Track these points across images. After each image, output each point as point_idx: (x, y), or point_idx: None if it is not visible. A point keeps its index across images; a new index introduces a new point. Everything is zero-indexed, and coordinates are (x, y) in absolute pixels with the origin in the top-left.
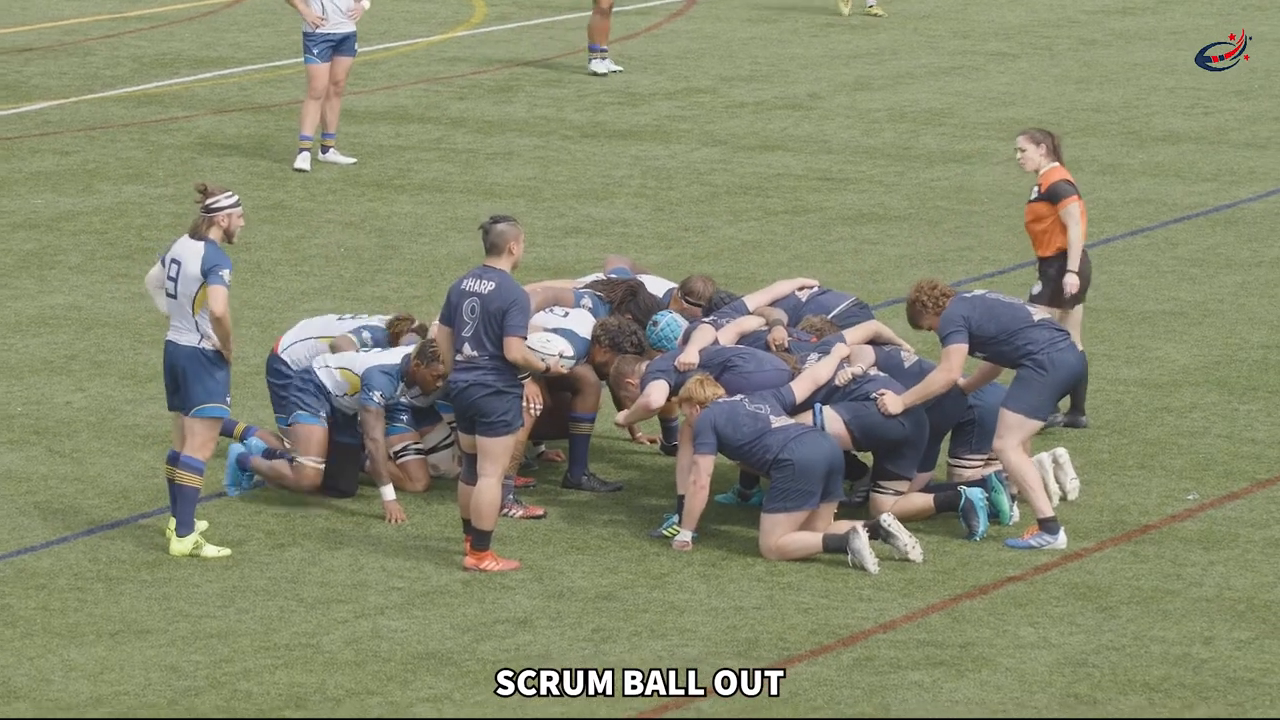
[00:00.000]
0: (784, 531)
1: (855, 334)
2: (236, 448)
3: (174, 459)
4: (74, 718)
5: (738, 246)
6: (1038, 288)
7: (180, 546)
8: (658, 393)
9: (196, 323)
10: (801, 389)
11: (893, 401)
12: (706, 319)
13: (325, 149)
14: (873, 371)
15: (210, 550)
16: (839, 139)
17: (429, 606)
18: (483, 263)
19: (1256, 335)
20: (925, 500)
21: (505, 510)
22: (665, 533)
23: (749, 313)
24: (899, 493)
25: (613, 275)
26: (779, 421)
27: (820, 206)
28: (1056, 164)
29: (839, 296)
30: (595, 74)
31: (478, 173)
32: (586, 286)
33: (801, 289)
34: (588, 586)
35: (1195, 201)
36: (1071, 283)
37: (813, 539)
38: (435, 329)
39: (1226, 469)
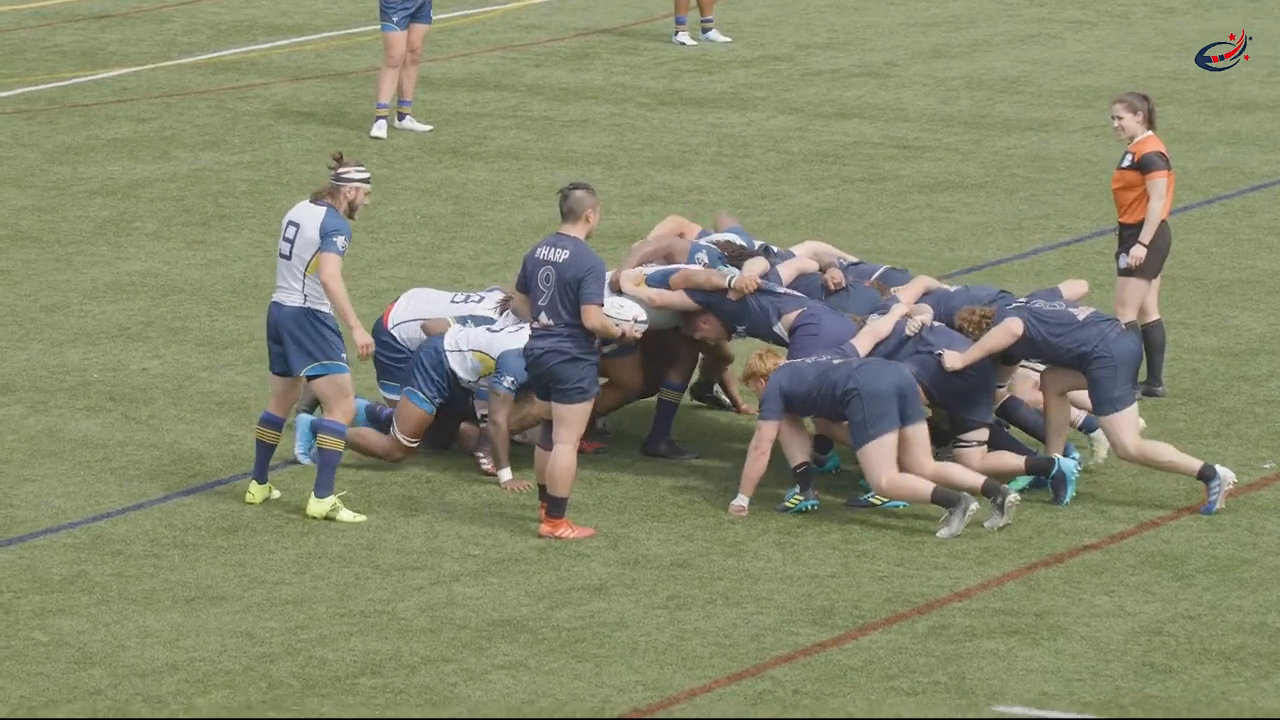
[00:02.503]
0: (886, 463)
1: (909, 292)
2: (306, 416)
3: (267, 420)
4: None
5: (813, 214)
6: (1124, 260)
7: (318, 508)
8: (665, 296)
9: (305, 284)
10: (864, 344)
11: (952, 358)
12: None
13: (402, 116)
14: (936, 324)
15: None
16: (915, 107)
17: (504, 574)
18: (558, 230)
19: None
20: (1017, 461)
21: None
22: (789, 504)
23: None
24: (982, 443)
25: (730, 235)
26: (840, 359)
27: (896, 174)
28: (1151, 133)
29: (872, 268)
30: (681, 44)
31: (554, 140)
32: (708, 241)
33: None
34: (663, 554)
35: (1273, 170)
36: (1137, 255)
37: (923, 489)
38: (514, 296)
39: None
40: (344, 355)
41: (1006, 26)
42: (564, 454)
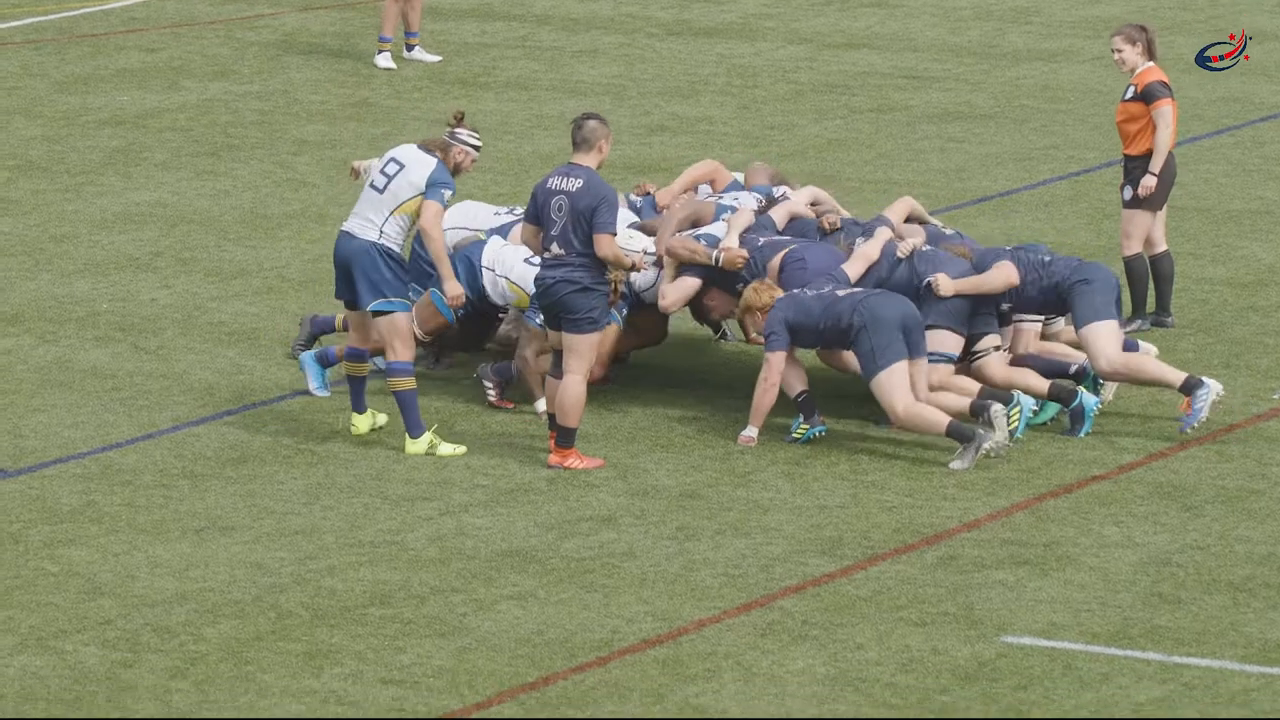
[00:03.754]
0: (900, 391)
1: (895, 211)
2: (308, 353)
3: (351, 354)
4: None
5: (823, 145)
6: (1129, 192)
7: (416, 447)
8: (675, 289)
9: (387, 222)
10: (855, 269)
11: (945, 284)
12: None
13: (410, 47)
14: (926, 247)
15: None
16: (924, 37)
17: (513, 504)
18: (569, 160)
19: None
20: (1040, 383)
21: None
22: (795, 434)
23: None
24: (998, 347)
25: (756, 193)
26: (844, 291)
27: (906, 105)
28: (1152, 63)
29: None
30: None
31: (563, 70)
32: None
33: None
34: (672, 485)
35: None
36: (1147, 185)
37: (939, 421)
38: (521, 228)
39: None
40: (410, 294)
41: None
42: (574, 384)
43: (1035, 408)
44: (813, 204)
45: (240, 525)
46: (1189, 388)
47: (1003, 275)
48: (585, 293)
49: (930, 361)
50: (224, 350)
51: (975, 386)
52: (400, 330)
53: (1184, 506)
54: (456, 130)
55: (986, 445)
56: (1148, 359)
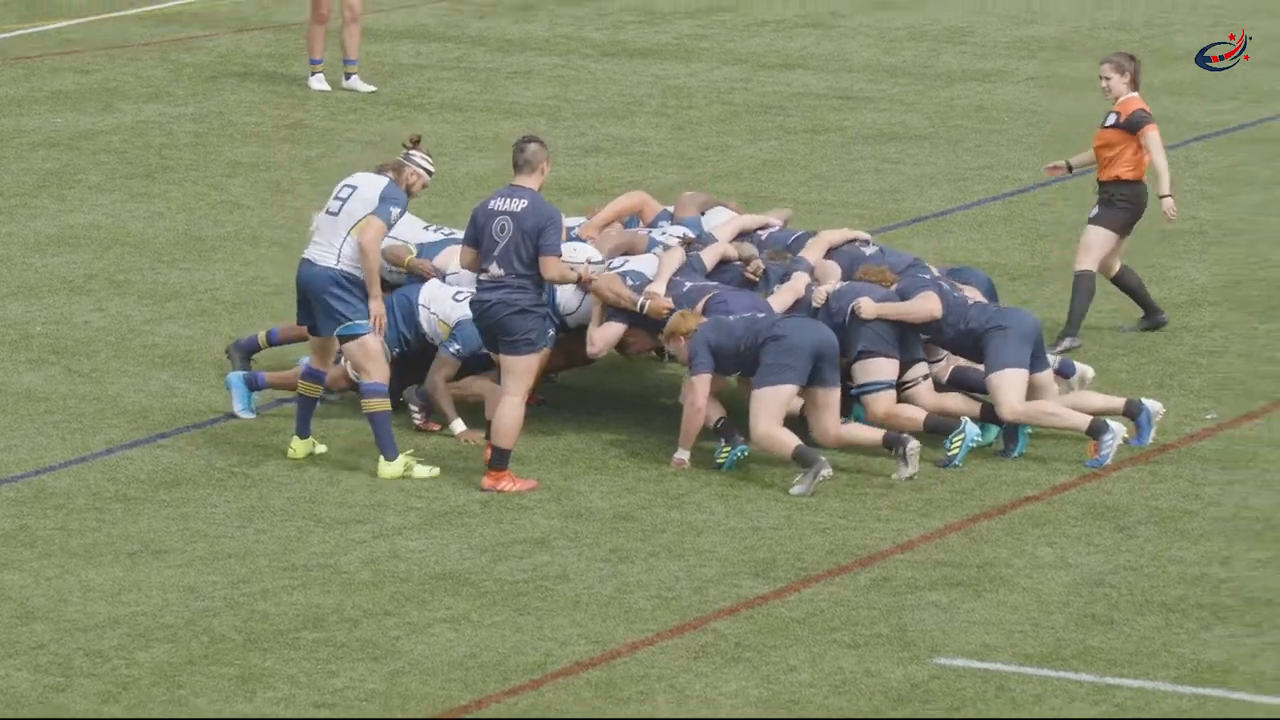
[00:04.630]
0: (771, 413)
1: (812, 251)
2: (237, 374)
3: (308, 374)
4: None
5: (757, 166)
6: (1095, 210)
7: (390, 470)
8: (602, 335)
9: (344, 244)
10: (780, 301)
11: (869, 306)
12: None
13: (348, 75)
14: (840, 284)
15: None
16: (859, 58)
17: (446, 527)
18: (511, 182)
19: (1276, 254)
20: (971, 405)
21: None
22: (719, 459)
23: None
24: (926, 376)
25: (685, 226)
26: (765, 313)
27: (840, 125)
28: (1135, 93)
29: (900, 256)
30: None
31: (498, 92)
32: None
33: (853, 241)
34: (605, 507)
35: (1216, 120)
36: (1169, 206)
37: (790, 444)
38: (461, 251)
39: (1245, 388)
40: (363, 317)
41: None
42: (511, 405)
43: (979, 437)
44: (741, 234)
45: (173, 549)
46: (1095, 431)
47: (926, 306)
48: (523, 315)
49: (870, 391)
50: (157, 373)
51: (920, 414)
52: (371, 352)
53: (1117, 527)
54: (411, 152)
55: (825, 473)
56: (1051, 405)
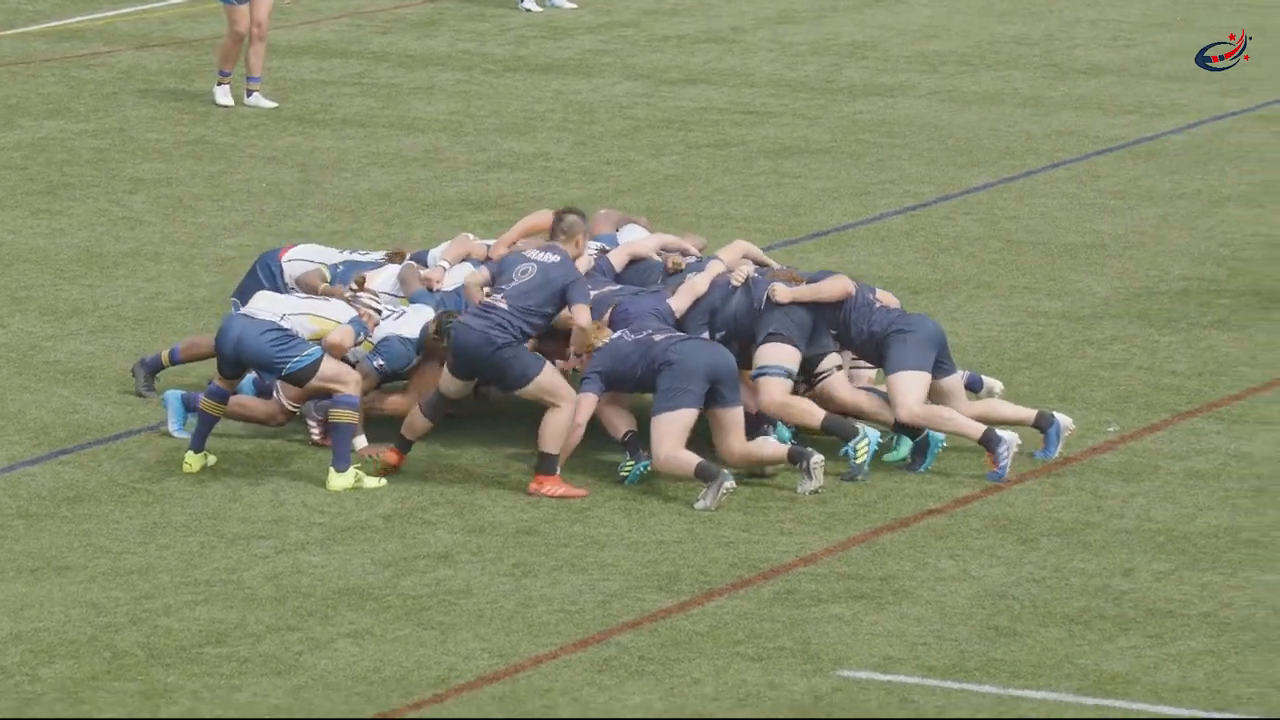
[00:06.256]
0: (671, 437)
1: (728, 252)
2: (175, 392)
3: (215, 392)
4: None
5: (659, 180)
6: None
7: (340, 481)
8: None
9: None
10: (680, 302)
11: (782, 291)
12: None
13: (250, 93)
14: (758, 276)
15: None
16: (762, 72)
17: (350, 542)
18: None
19: (1177, 267)
20: (885, 409)
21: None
22: (623, 473)
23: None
24: (839, 367)
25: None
26: (662, 335)
27: (743, 140)
28: None
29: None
30: (528, 10)
31: (400, 107)
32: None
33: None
34: (509, 521)
35: (1117, 134)
36: None
37: (690, 464)
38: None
39: (1147, 401)
40: (309, 345)
41: None
42: (555, 413)
43: (881, 440)
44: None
45: (75, 565)
46: (988, 443)
47: (838, 285)
48: (499, 351)
49: (768, 375)
50: (59, 389)
51: (819, 412)
52: (337, 371)
53: (1020, 539)
54: (365, 297)
55: (728, 485)
56: (948, 411)
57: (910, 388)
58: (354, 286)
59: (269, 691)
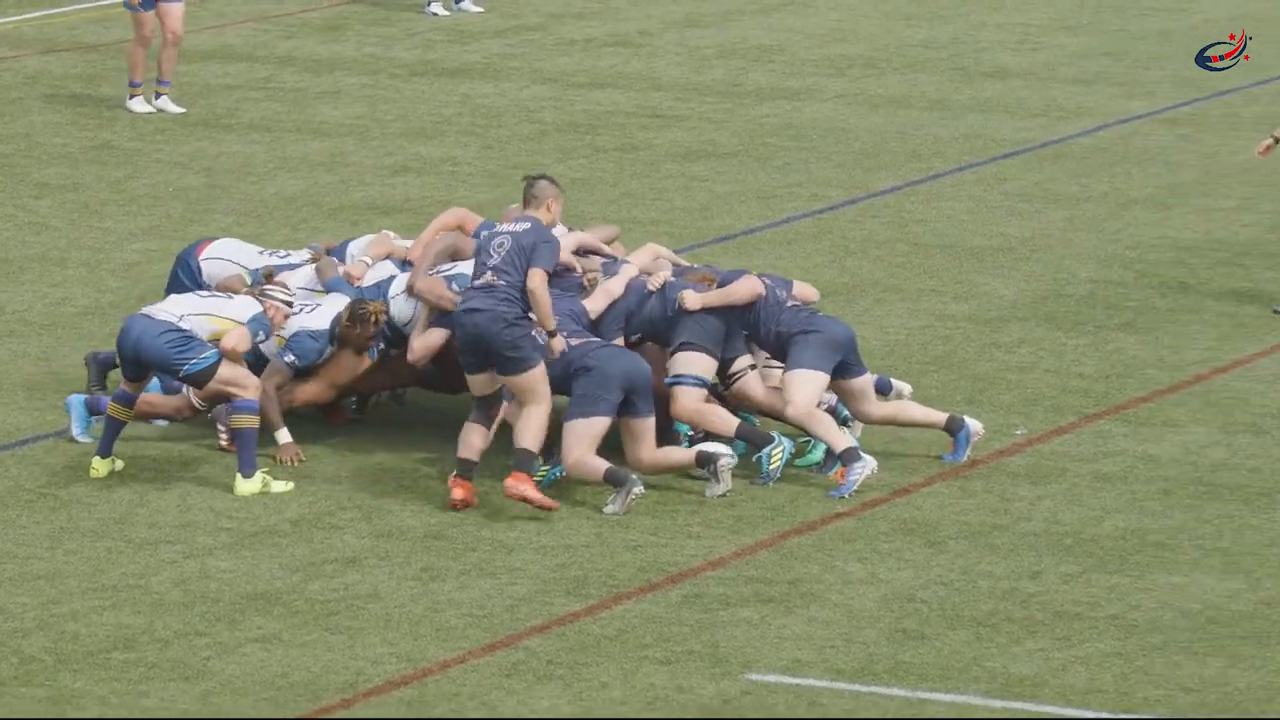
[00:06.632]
0: (583, 443)
1: (640, 256)
2: (78, 396)
3: (121, 396)
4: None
5: (567, 184)
6: None
7: (247, 487)
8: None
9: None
10: (595, 304)
11: (692, 298)
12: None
13: (158, 95)
14: (673, 280)
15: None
16: (668, 76)
17: (257, 546)
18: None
19: (1084, 270)
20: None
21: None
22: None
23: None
24: (753, 366)
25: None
26: (579, 340)
27: (650, 144)
28: None
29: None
30: (434, 14)
31: (306, 112)
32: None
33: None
34: (416, 525)
35: (1023, 137)
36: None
37: (600, 469)
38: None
39: (1054, 404)
40: (207, 347)
41: None
42: (532, 412)
43: (794, 449)
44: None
45: None
46: (846, 458)
47: (748, 286)
48: (510, 328)
49: (682, 385)
50: None
51: (733, 420)
52: (234, 375)
53: (927, 542)
54: (268, 288)
55: (637, 490)
56: (824, 418)
57: (801, 386)
58: (263, 280)
59: (177, 697)
